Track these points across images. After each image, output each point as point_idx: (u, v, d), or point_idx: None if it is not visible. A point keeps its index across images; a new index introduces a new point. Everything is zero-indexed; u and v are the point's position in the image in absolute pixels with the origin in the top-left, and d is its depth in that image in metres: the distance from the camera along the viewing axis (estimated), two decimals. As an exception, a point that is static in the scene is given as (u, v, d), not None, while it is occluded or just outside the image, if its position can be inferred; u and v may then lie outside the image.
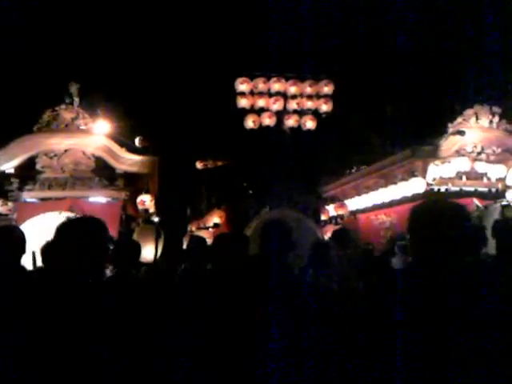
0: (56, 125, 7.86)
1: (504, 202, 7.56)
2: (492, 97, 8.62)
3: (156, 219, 7.87)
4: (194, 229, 10.46)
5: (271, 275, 2.51)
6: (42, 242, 4.05)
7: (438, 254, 1.67)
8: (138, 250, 4.13)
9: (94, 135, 7.91)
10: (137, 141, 7.42)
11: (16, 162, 7.78)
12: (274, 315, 2.35)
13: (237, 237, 3.69)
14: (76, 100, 7.79)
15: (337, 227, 9.91)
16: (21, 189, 7.79)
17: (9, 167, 7.78)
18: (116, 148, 7.94)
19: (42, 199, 7.83)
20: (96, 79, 8.97)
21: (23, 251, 2.83)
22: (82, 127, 7.93)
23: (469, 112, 8.45)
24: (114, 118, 8.31)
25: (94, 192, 7.96)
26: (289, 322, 2.37)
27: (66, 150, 7.89)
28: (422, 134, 8.89)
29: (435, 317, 1.59)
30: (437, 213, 1.74)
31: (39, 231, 6.16)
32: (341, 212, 10.04)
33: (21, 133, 7.79)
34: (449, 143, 8.27)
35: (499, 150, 8.45)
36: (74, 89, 7.74)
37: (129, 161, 8.01)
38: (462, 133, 7.93)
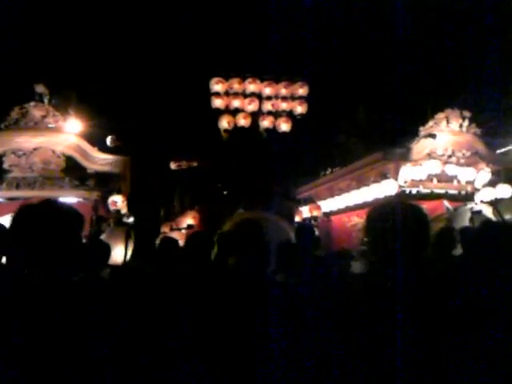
0: (25, 123, 7.65)
1: (473, 205, 7.73)
2: (463, 101, 8.79)
3: (129, 220, 7.75)
4: (166, 230, 10.32)
5: (247, 276, 2.49)
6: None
7: (394, 255, 1.66)
8: (107, 251, 4.05)
9: (64, 134, 7.73)
10: (108, 140, 7.28)
11: (-18, 160, 7.56)
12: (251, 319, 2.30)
13: (211, 237, 3.65)
14: (45, 99, 7.61)
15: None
16: (-14, 189, 7.57)
17: (-25, 166, 7.55)
18: (87, 147, 7.78)
19: (10, 199, 7.61)
20: (67, 77, 8.78)
21: None
22: (52, 125, 7.74)
23: (440, 116, 8.57)
24: (85, 117, 8.15)
25: (63, 192, 7.77)
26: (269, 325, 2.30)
27: (34, 149, 7.69)
28: (394, 136, 9.00)
29: (390, 319, 1.58)
30: (392, 214, 1.74)
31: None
32: (315, 213, 10.10)
33: (-13, 131, 7.56)
34: (420, 146, 8.37)
35: (469, 154, 8.61)
36: (40, 89, 7.55)
37: (100, 160, 7.86)
38: (433, 136, 8.04)
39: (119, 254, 5.55)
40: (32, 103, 7.67)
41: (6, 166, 7.67)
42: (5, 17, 8.54)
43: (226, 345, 2.31)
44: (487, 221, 4.94)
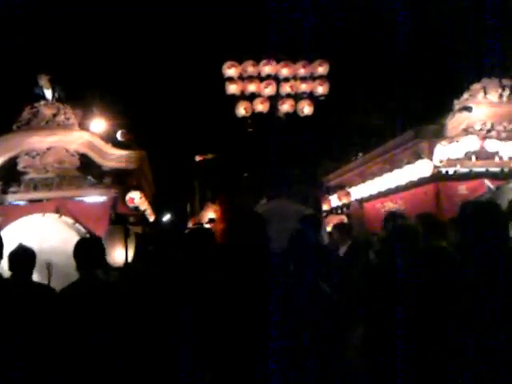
0: (36, 122, 7.48)
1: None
2: (501, 68, 8.08)
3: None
4: (191, 225, 10.16)
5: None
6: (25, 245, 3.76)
7: None
8: (100, 249, 3.76)
9: (76, 131, 7.54)
10: (118, 135, 7.00)
11: (-3, 163, 7.44)
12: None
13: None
14: (47, 93, 7.43)
15: (341, 217, 9.49)
16: (5, 191, 7.45)
17: (-11, 170, 7.45)
18: (100, 143, 7.54)
19: (29, 201, 7.50)
20: (79, 73, 8.61)
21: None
22: (64, 123, 7.57)
23: (476, 86, 7.91)
24: (99, 114, 7.96)
25: (81, 191, 7.59)
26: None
27: (48, 149, 7.50)
28: (427, 112, 8.37)
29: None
30: None
31: (22, 234, 5.85)
32: (345, 200, 9.63)
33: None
34: (455, 121, 7.79)
35: (510, 127, 7.93)
36: (44, 81, 7.35)
37: (115, 157, 7.61)
38: (468, 109, 7.44)
39: (120, 254, 5.22)
40: (42, 102, 7.51)
41: (20, 167, 7.53)
42: (13, 17, 8.46)
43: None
44: None
